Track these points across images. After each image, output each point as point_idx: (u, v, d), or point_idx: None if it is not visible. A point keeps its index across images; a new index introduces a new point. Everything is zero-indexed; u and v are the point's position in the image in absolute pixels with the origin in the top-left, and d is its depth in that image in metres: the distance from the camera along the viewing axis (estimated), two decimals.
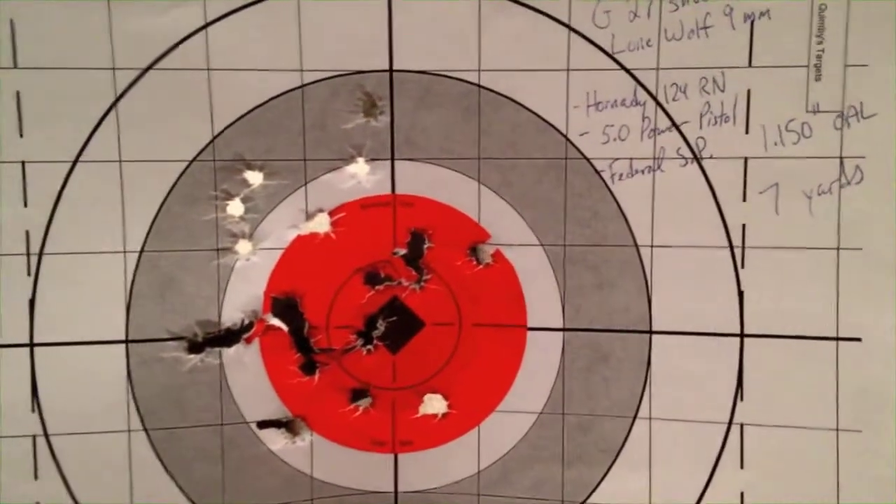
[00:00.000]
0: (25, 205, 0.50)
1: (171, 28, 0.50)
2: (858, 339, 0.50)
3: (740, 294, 0.51)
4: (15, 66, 0.49)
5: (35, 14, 0.49)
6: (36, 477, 0.51)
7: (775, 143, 0.50)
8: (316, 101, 0.52)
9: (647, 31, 0.50)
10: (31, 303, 0.50)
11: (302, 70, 0.51)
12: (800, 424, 0.51)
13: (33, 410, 0.51)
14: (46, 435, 0.51)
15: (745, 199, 0.51)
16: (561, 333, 0.53)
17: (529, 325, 0.53)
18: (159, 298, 0.51)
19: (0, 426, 0.50)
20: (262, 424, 0.53)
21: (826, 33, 0.49)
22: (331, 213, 0.53)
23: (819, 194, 0.50)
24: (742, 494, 0.52)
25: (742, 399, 0.52)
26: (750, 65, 0.50)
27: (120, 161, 0.50)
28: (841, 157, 0.50)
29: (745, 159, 0.51)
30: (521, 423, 0.54)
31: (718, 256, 0.51)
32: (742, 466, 0.52)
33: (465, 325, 0.54)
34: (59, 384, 0.51)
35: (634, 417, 0.53)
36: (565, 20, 0.51)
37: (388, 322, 0.54)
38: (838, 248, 0.50)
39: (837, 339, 0.51)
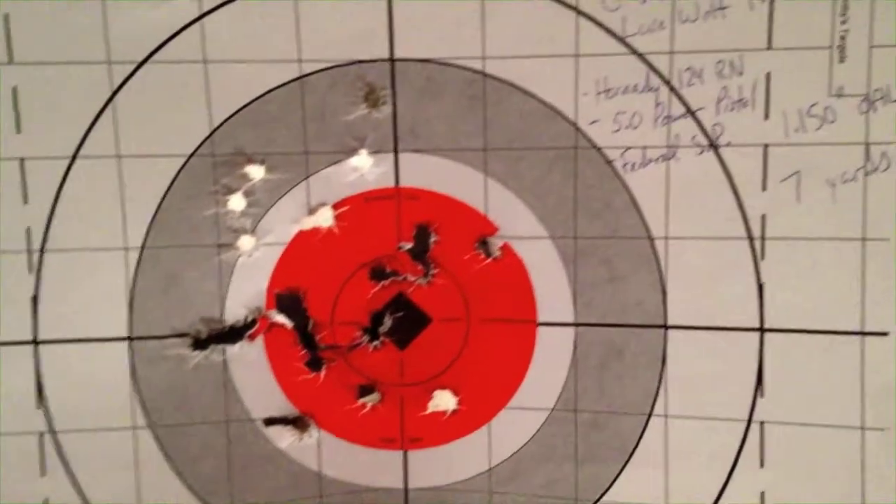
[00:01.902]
0: (26, 202, 0.49)
1: (166, 20, 0.49)
2: (885, 334, 0.48)
3: (760, 287, 0.49)
4: (11, 62, 0.48)
5: (30, 9, 0.48)
6: (43, 474, 0.51)
7: (797, 129, 0.48)
8: (316, 92, 0.50)
9: (659, 12, 0.48)
10: (34, 300, 0.50)
11: (300, 60, 0.50)
12: (823, 422, 0.49)
13: (38, 407, 0.51)
14: (53, 432, 0.51)
15: (764, 189, 0.48)
16: (572, 329, 0.51)
17: (539, 320, 0.52)
18: (162, 295, 0.51)
19: (5, 423, 0.50)
20: (269, 422, 0.53)
21: (850, 12, 0.46)
22: (334, 207, 0.52)
23: (843, 182, 0.47)
24: (762, 494, 0.50)
25: (762, 396, 0.50)
26: (769, 47, 0.47)
27: (118, 156, 0.50)
28: (866, 143, 0.47)
29: (765, 146, 0.48)
30: (533, 420, 0.52)
31: (737, 248, 0.49)
32: (762, 465, 0.50)
33: (474, 320, 0.53)
34: (65, 381, 0.51)
35: (649, 415, 0.51)
36: (573, 3, 0.48)
37: (394, 318, 0.53)
38: (864, 239, 0.48)
39: (863, 333, 0.48)
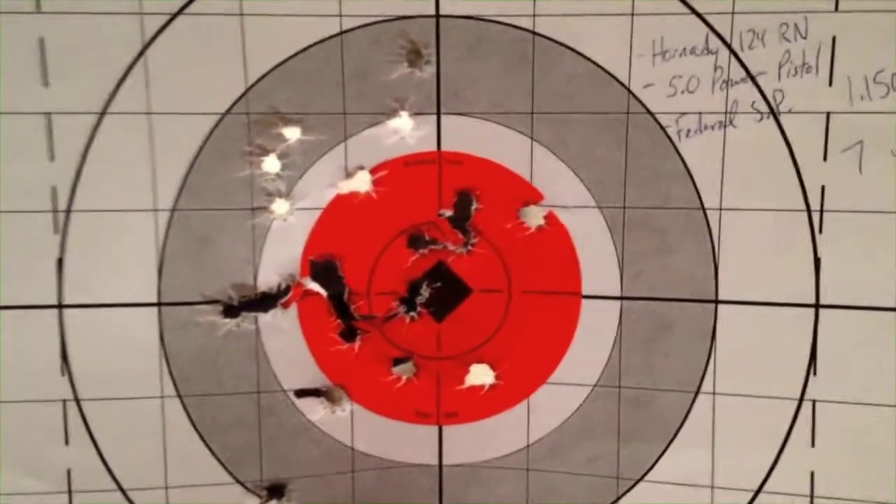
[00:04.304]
0: (52, 159, 0.47)
1: None
2: None
3: (817, 261, 0.47)
4: (38, 11, 0.46)
5: None
6: (67, 442, 0.49)
7: (861, 97, 0.46)
8: (356, 49, 0.48)
9: None
10: (60, 262, 0.48)
11: (341, 15, 0.47)
12: (877, 402, 0.47)
13: (63, 374, 0.49)
14: (77, 399, 0.49)
15: (825, 158, 0.46)
16: (618, 302, 0.50)
17: (584, 292, 0.50)
18: (193, 260, 0.49)
19: (29, 390, 0.48)
20: (300, 393, 0.51)
21: None
22: (372, 171, 0.49)
23: None
24: (812, 474, 0.49)
25: (815, 374, 0.48)
26: (836, 9, 0.45)
27: (149, 113, 0.47)
28: None
29: (828, 114, 0.46)
30: (574, 396, 0.51)
31: (794, 220, 0.47)
32: (813, 445, 0.48)
33: (515, 292, 0.51)
34: (90, 347, 0.49)
35: (697, 392, 0.49)
36: None
37: (432, 288, 0.51)
38: None
39: None
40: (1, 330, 0.48)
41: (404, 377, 0.51)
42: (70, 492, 0.50)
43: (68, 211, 0.48)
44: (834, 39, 0.45)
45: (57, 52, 0.46)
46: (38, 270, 0.48)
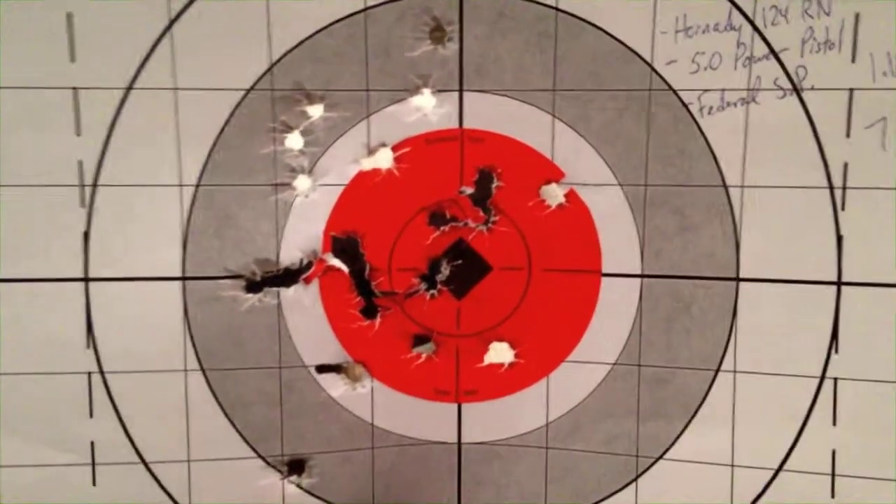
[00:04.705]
0: (78, 133, 0.48)
1: None
2: None
3: (839, 239, 0.47)
4: None
5: None
6: (91, 415, 0.50)
7: (885, 73, 0.45)
8: (380, 26, 0.48)
9: None
10: (86, 236, 0.48)
11: None
12: None
13: (88, 347, 0.49)
14: (102, 372, 0.49)
15: (848, 135, 0.46)
16: (639, 280, 0.50)
17: (605, 270, 0.50)
18: (216, 235, 0.49)
19: (54, 362, 0.49)
20: (321, 369, 0.51)
21: None
22: (394, 149, 0.50)
23: None
24: (833, 453, 0.48)
25: (837, 352, 0.48)
26: None
27: (175, 89, 0.48)
28: None
29: (851, 91, 0.46)
30: (594, 374, 0.51)
31: (816, 198, 0.47)
32: (835, 423, 0.48)
33: (535, 269, 0.51)
34: (115, 321, 0.49)
35: (717, 370, 0.49)
36: None
37: (453, 265, 0.51)
38: None
39: None
40: (27, 303, 0.49)
41: (424, 354, 0.51)
42: (94, 464, 0.50)
43: (94, 185, 0.48)
44: (857, 16, 0.45)
45: (84, 28, 0.47)
46: (65, 244, 0.48)
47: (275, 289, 0.50)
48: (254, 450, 0.51)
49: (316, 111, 0.49)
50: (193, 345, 0.50)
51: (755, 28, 0.46)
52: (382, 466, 0.52)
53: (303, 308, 0.50)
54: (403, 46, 0.48)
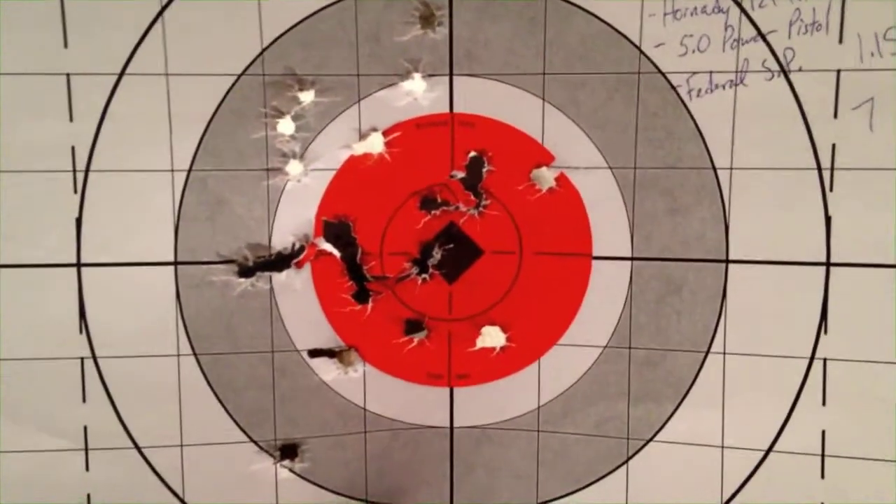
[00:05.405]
0: (71, 119, 0.48)
1: None
2: None
3: (828, 220, 0.47)
4: None
5: None
6: (84, 400, 0.50)
7: (872, 54, 0.46)
8: (370, 11, 0.48)
9: None
10: (78, 221, 0.49)
11: None
12: (889, 360, 0.47)
13: (81, 332, 0.49)
14: (95, 358, 0.50)
15: (836, 116, 0.47)
16: (629, 263, 0.50)
17: (595, 253, 0.50)
18: (208, 219, 0.49)
19: (46, 347, 0.49)
20: (314, 353, 0.51)
21: None
22: (385, 133, 0.50)
23: None
24: (823, 433, 0.49)
25: (826, 332, 0.48)
26: None
27: (167, 74, 0.48)
28: None
29: (838, 72, 0.46)
30: (585, 357, 0.51)
31: (805, 179, 0.47)
32: (824, 404, 0.48)
33: (527, 253, 0.51)
34: (107, 306, 0.49)
35: (707, 352, 0.49)
36: None
37: (444, 249, 0.51)
38: None
39: None
40: (20, 288, 0.49)
41: (416, 339, 0.52)
42: (87, 449, 0.50)
43: (87, 171, 0.48)
44: None
45: (76, 14, 0.47)
46: (57, 229, 0.49)
47: (267, 273, 0.50)
48: (246, 434, 0.51)
49: (307, 96, 0.49)
50: (186, 330, 0.50)
51: (743, 10, 0.47)
52: (375, 450, 0.52)
53: (295, 293, 0.51)
54: (393, 31, 0.49)
